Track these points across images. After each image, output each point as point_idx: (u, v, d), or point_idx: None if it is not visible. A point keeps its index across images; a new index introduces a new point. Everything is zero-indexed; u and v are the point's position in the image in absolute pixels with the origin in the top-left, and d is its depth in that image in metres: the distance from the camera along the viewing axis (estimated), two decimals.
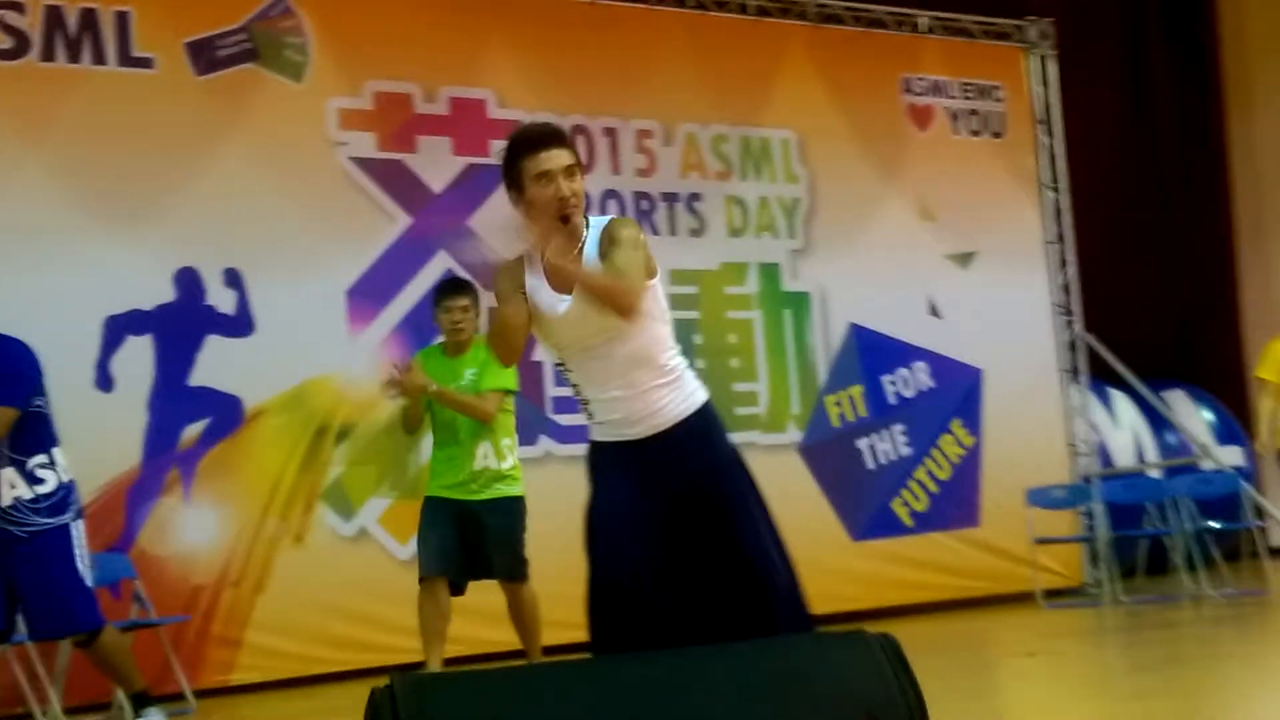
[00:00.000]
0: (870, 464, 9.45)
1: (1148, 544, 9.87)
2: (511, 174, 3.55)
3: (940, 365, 9.78)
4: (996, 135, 10.25)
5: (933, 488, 9.62)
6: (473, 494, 5.99)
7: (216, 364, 7.50)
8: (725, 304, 9.08)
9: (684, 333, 8.86)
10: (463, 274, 8.24)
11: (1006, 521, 9.58)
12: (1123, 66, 12.81)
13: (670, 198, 8.94)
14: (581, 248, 3.54)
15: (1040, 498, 9.46)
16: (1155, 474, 10.45)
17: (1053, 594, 9.37)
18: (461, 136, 8.30)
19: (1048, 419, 10.13)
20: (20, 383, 5.13)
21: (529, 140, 3.55)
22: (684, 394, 3.64)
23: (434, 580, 5.93)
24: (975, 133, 10.15)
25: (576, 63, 8.73)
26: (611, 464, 3.57)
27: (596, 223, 3.59)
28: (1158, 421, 10.96)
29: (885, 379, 9.61)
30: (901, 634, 6.98)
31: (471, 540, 5.99)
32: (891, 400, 9.59)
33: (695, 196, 9.03)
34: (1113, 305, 11.23)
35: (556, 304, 3.53)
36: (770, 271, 9.22)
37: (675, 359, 3.66)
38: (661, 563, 3.43)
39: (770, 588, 3.51)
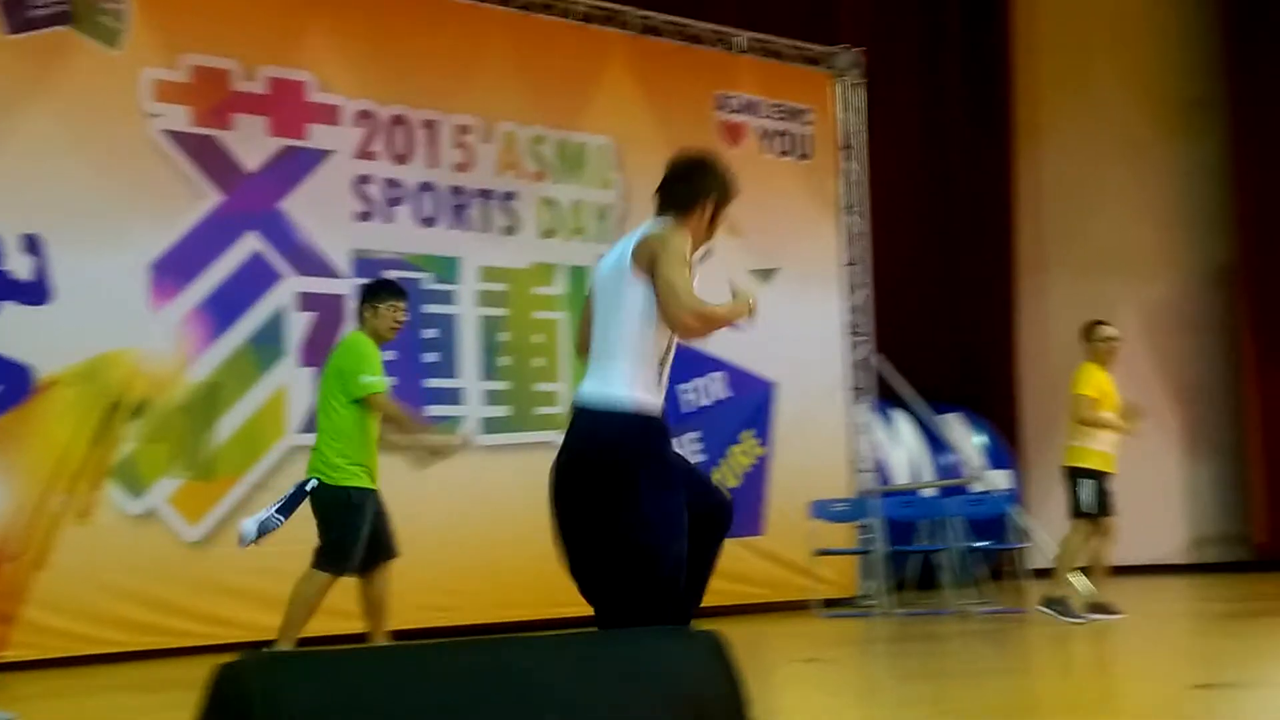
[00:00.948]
0: None
1: (920, 559, 10.32)
2: (721, 201, 4.48)
3: (735, 377, 10.06)
4: (803, 157, 10.59)
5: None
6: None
7: (9, 331, 7.28)
8: (533, 304, 9.18)
9: (490, 330, 8.94)
10: (271, 255, 8.19)
11: (789, 532, 9.91)
12: (923, 101, 13.36)
13: (485, 194, 9.00)
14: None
15: (822, 510, 9.80)
16: (930, 493, 10.93)
17: (829, 604, 9.72)
18: (279, 117, 8.22)
19: (834, 435, 10.51)
20: None
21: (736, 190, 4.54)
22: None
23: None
24: (783, 153, 10.48)
25: (400, 53, 8.73)
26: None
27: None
28: (935, 442, 11.46)
29: (682, 387, 9.83)
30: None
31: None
32: (687, 408, 9.82)
33: (510, 195, 9.12)
34: (901, 328, 11.70)
35: None
36: (579, 274, 9.35)
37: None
38: None
39: None
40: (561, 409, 9.20)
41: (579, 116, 9.45)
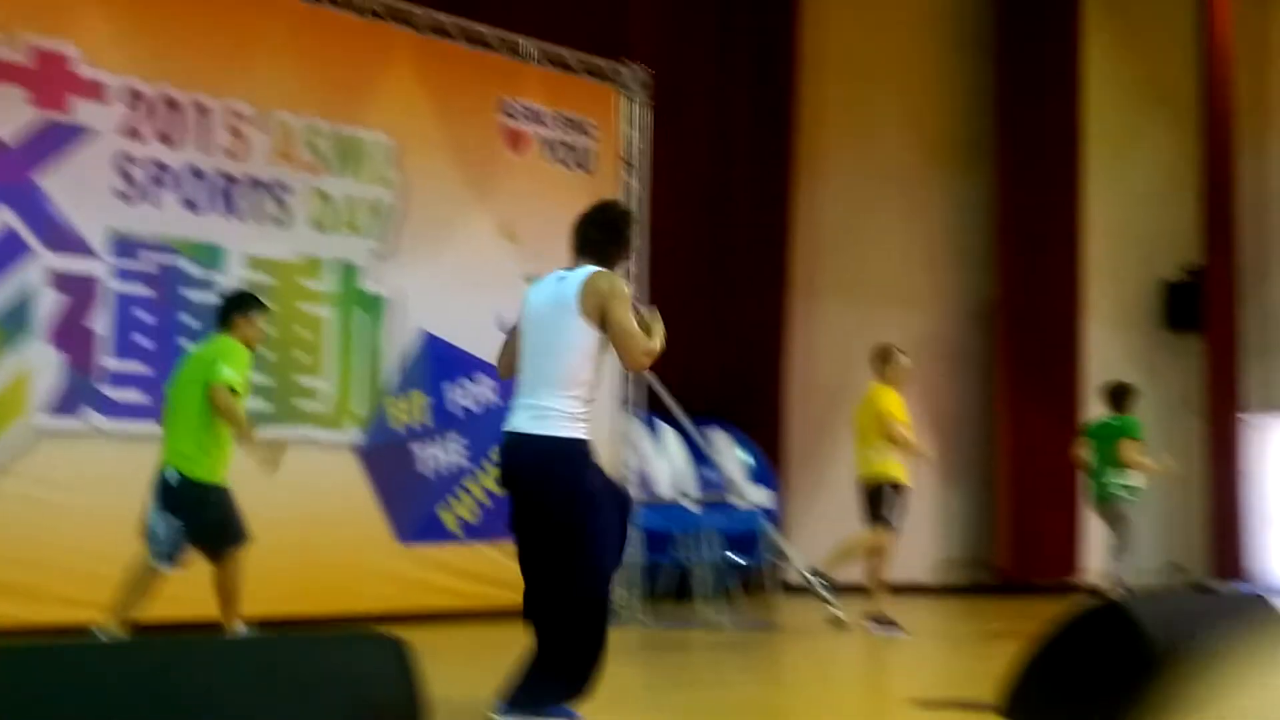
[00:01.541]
0: (426, 471, 9.59)
1: (676, 571, 10.46)
2: (632, 235, 5.14)
3: (504, 382, 10.01)
4: (585, 169, 10.65)
5: (484, 500, 9.85)
6: None
7: None
8: (300, 297, 9.01)
9: None
10: (23, 230, 7.86)
11: None
12: (708, 124, 13.58)
13: (256, 183, 8.81)
14: None
15: None
16: (691, 506, 11.09)
17: None
18: (40, 89, 7.89)
19: (598, 445, 10.52)
20: None
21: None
22: None
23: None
24: (565, 164, 10.52)
25: (173, 32, 8.49)
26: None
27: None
28: (699, 457, 11.65)
29: (450, 389, 9.78)
30: (439, 639, 7.15)
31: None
32: (454, 410, 9.77)
33: (282, 186, 8.94)
34: (672, 344, 11.78)
35: None
36: (349, 271, 9.22)
37: None
38: None
39: None
40: (323, 405, 9.06)
41: (359, 111, 9.33)
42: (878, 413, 9.40)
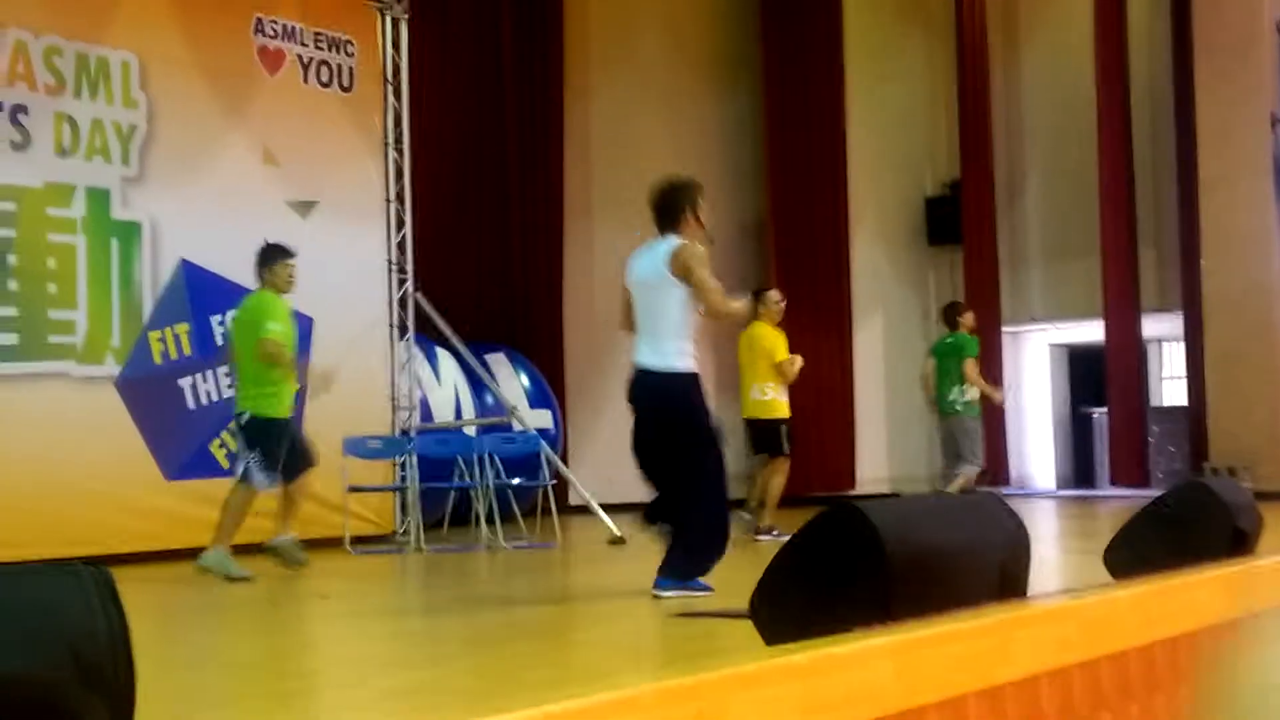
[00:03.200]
0: (191, 404, 9.30)
1: (456, 496, 10.41)
2: (695, 200, 6.25)
3: None
4: (345, 89, 10.37)
5: None
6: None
7: None
8: (47, 226, 8.59)
9: None
10: None
11: (323, 469, 9.73)
12: (475, 40, 13.36)
13: None
14: None
15: (357, 447, 9.71)
16: (470, 431, 11.03)
17: (363, 540, 9.65)
18: None
19: (373, 372, 10.41)
20: None
21: (702, 187, 6.33)
22: None
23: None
24: (325, 84, 10.22)
25: None
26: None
27: None
28: (477, 382, 11.57)
29: (214, 319, 9.47)
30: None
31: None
32: (219, 341, 9.47)
33: (21, 108, 8.47)
34: (446, 266, 11.71)
35: None
36: (99, 197, 8.82)
37: None
38: None
39: None
40: (78, 338, 8.67)
41: (101, 30, 8.87)
42: (764, 351, 9.71)
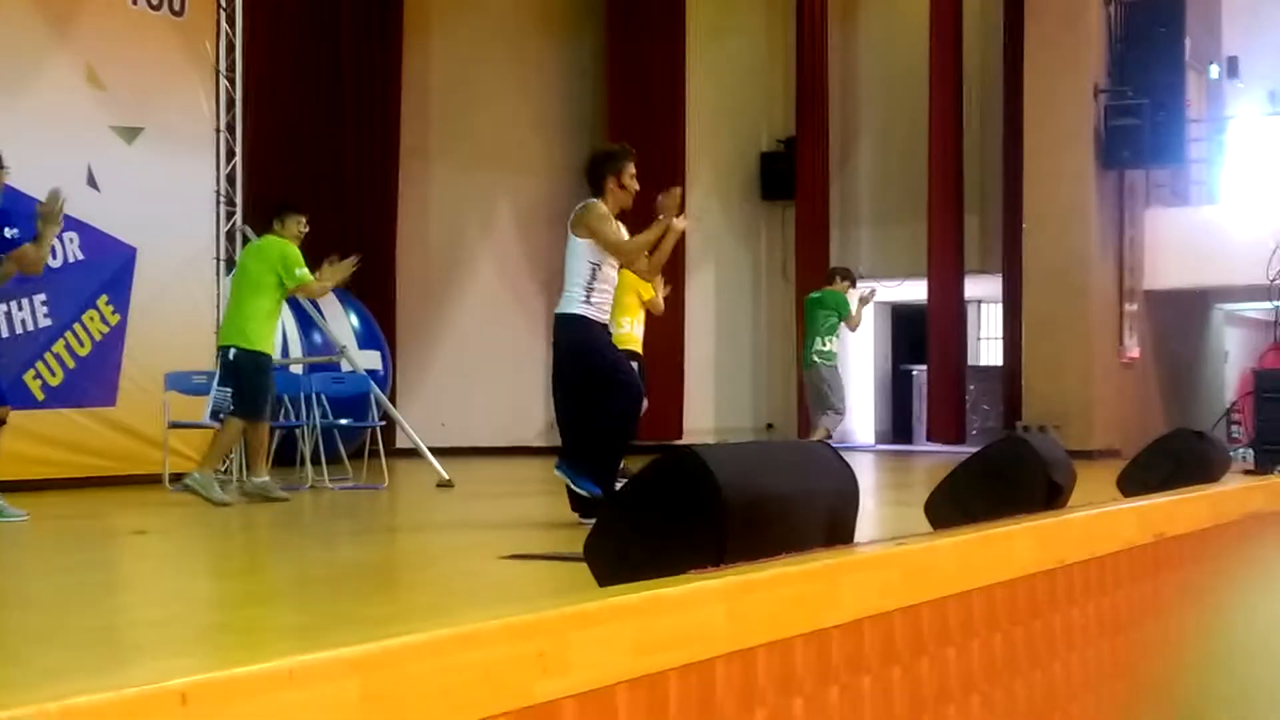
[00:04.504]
0: (4, 332, 8.96)
1: (281, 435, 10.23)
2: (615, 167, 6.73)
3: (93, 239, 9.46)
4: (176, 13, 10.03)
5: (70, 363, 9.32)
6: None
7: None
8: None
9: None
10: None
11: (144, 403, 9.52)
12: None
13: None
14: None
15: (179, 382, 9.46)
16: (297, 370, 10.83)
17: (179, 478, 9.41)
18: None
19: (198, 306, 10.16)
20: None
21: (630, 154, 6.81)
22: None
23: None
24: (155, 6, 9.87)
25: None
26: (603, 331, 6.81)
27: None
28: (306, 320, 11.37)
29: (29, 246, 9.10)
30: (20, 507, 6.72)
31: None
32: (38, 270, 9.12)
33: None
34: (275, 200, 11.43)
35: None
36: None
37: None
38: None
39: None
40: None
41: None
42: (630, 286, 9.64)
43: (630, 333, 9.90)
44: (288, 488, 9.30)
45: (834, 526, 3.11)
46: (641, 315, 9.93)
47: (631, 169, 6.74)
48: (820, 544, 3.03)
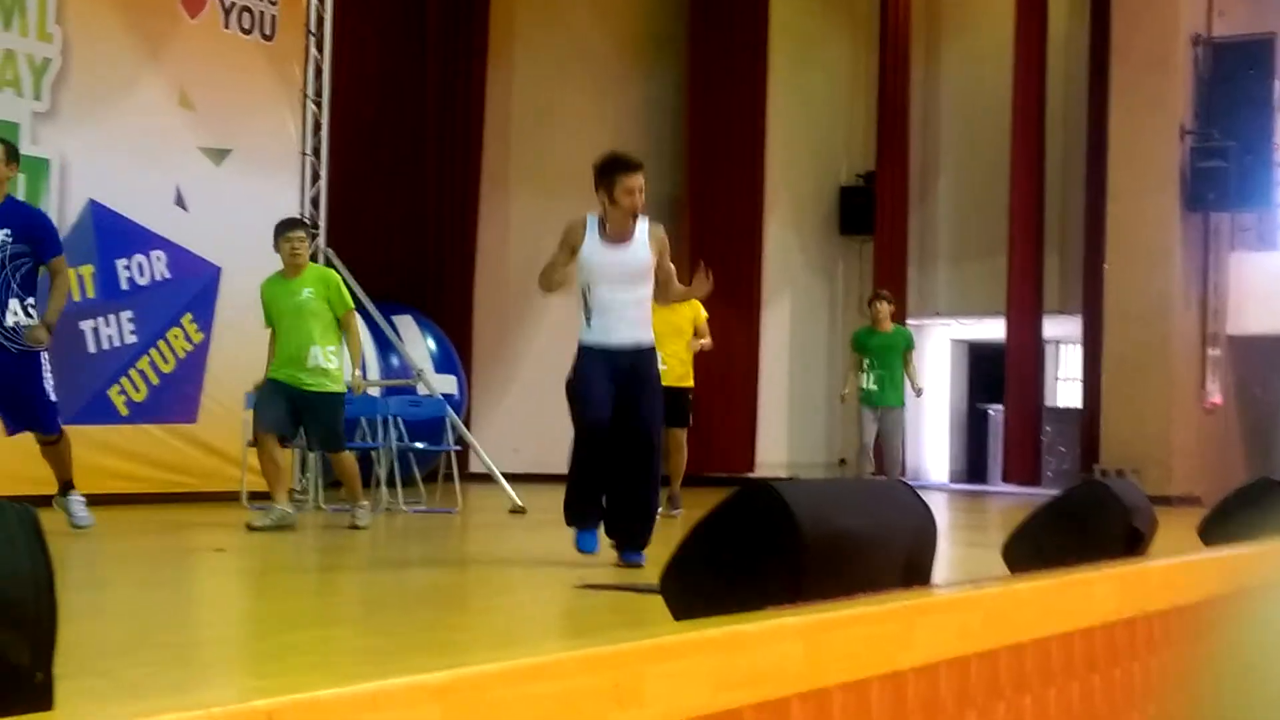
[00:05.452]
0: (92, 348, 9.13)
1: (357, 456, 10.30)
2: (609, 180, 6.02)
3: (179, 257, 9.62)
4: (267, 38, 10.21)
5: (154, 379, 9.47)
6: (305, 384, 7.78)
7: None
8: None
9: None
10: None
11: (224, 421, 9.64)
12: (400, 1, 13.23)
13: None
14: (633, 230, 6.08)
15: None
16: (374, 392, 10.92)
17: (259, 496, 9.53)
18: None
19: None
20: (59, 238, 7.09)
21: (626, 164, 6.07)
22: (649, 330, 6.24)
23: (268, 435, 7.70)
24: (246, 30, 10.05)
25: None
26: (596, 359, 6.12)
27: (643, 222, 6.11)
28: (384, 342, 11.48)
29: (120, 262, 9.31)
30: (101, 522, 6.84)
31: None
32: (124, 285, 9.31)
33: None
34: (358, 224, 11.60)
35: (608, 255, 6.08)
36: (7, 130, 8.54)
37: (649, 308, 6.25)
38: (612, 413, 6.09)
39: (654, 447, 6.17)
40: None
41: None
42: (690, 318, 9.59)
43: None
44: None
45: (911, 567, 3.09)
46: (679, 350, 9.57)
47: (627, 183, 5.99)
48: (897, 584, 3.02)
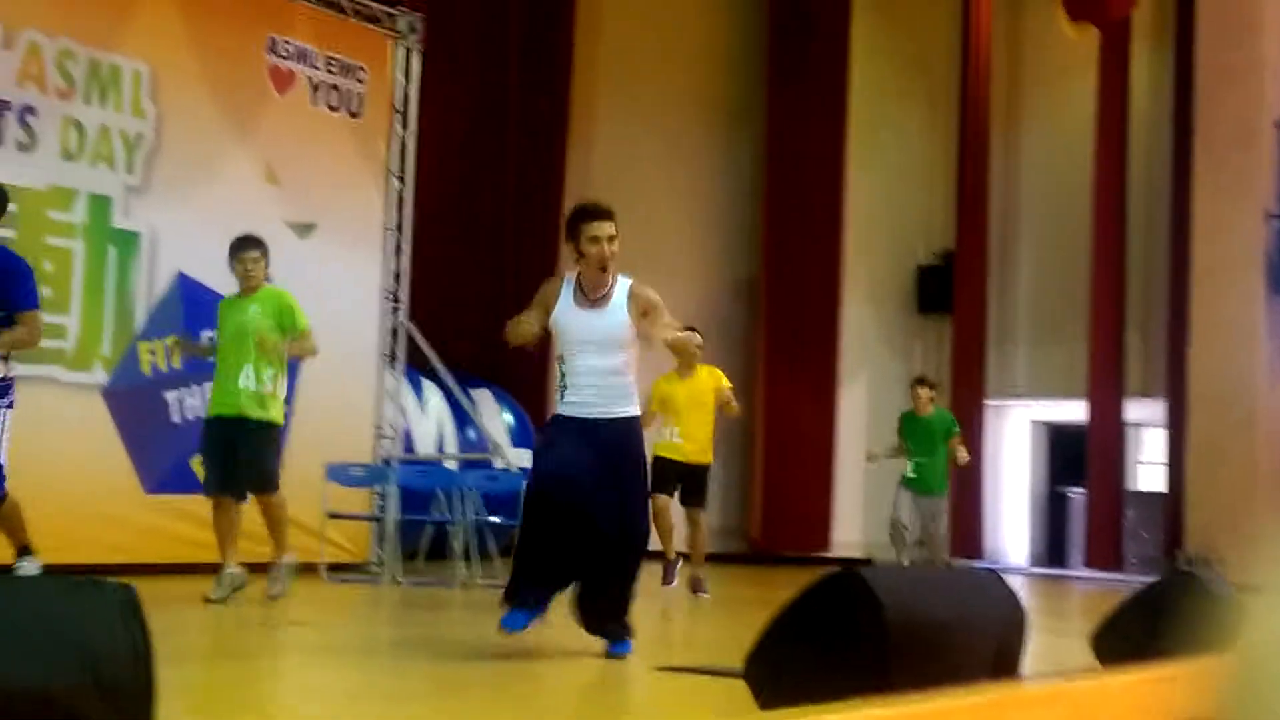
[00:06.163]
0: (176, 418, 9.25)
1: (433, 530, 10.36)
2: (573, 232, 5.61)
3: None
4: (354, 115, 10.39)
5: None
6: (237, 409, 7.33)
7: None
8: (47, 228, 8.56)
9: None
10: None
11: (303, 493, 9.69)
12: (482, 79, 13.42)
13: (1, 105, 8.31)
14: (610, 292, 5.65)
15: (338, 474, 9.66)
16: (451, 465, 10.99)
17: (337, 568, 9.59)
18: None
19: (359, 399, 10.38)
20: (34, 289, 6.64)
21: (591, 212, 5.64)
22: (629, 402, 5.68)
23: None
24: (333, 108, 10.24)
25: None
26: (566, 429, 5.60)
27: (623, 283, 5.68)
28: (462, 415, 11.54)
29: (205, 334, 9.42)
30: (181, 590, 6.90)
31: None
32: (208, 357, 9.42)
33: (30, 109, 8.46)
34: (438, 298, 11.70)
35: (581, 318, 5.64)
36: (101, 204, 8.80)
37: (632, 378, 5.70)
38: (583, 491, 5.44)
39: (634, 535, 5.63)
40: (69, 344, 8.63)
41: (116, 37, 8.88)
42: (711, 388, 9.45)
43: (670, 440, 9.41)
44: (439, 582, 9.38)
45: (1001, 658, 3.03)
46: (698, 423, 9.37)
47: (591, 230, 5.54)
48: (987, 675, 2.96)
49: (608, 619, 5.59)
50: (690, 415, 9.34)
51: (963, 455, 10.58)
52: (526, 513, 5.65)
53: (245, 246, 7.61)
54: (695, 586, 9.33)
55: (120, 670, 1.61)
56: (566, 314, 5.67)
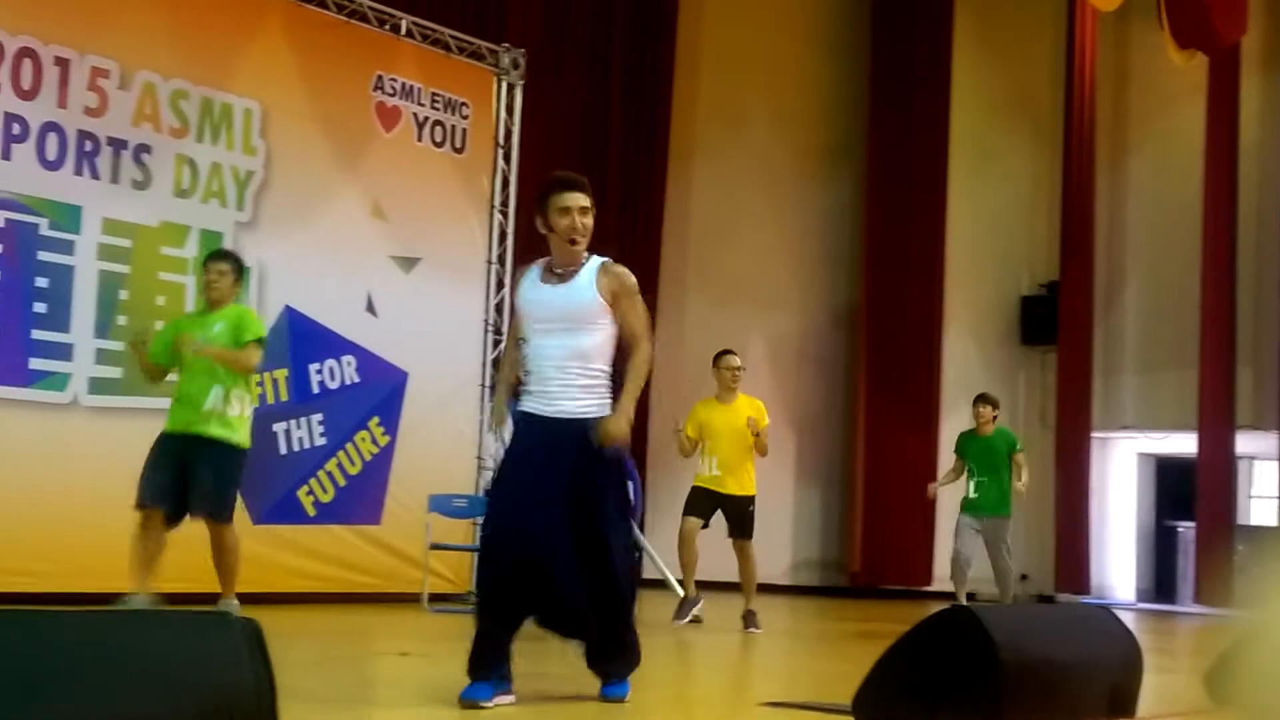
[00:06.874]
0: (283, 449, 9.40)
1: None
2: (542, 205, 4.90)
3: (368, 362, 9.89)
4: (458, 150, 10.53)
5: (341, 481, 9.70)
6: (195, 428, 6.89)
7: None
8: (159, 264, 8.77)
9: (110, 287, 8.48)
10: None
11: (407, 523, 9.82)
12: (584, 113, 13.55)
13: (117, 144, 8.54)
14: (577, 271, 4.91)
15: (441, 505, 9.75)
16: None
17: (439, 598, 9.67)
18: None
19: (462, 430, 10.48)
20: None
21: (561, 181, 4.92)
22: (600, 398, 4.90)
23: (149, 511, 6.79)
24: (438, 144, 10.39)
25: None
26: (527, 438, 4.83)
27: (596, 260, 4.96)
28: None
29: (312, 367, 9.60)
30: (288, 621, 7.00)
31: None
32: (315, 389, 9.59)
33: (144, 148, 8.68)
34: None
35: (543, 292, 4.91)
36: (212, 239, 8.99)
37: (604, 369, 4.94)
38: (540, 545, 4.67)
39: (610, 587, 4.87)
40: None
41: (228, 77, 9.10)
42: (748, 417, 9.28)
43: (709, 474, 9.23)
44: None
45: (1117, 696, 2.98)
46: (735, 453, 9.17)
47: (561, 201, 4.85)
48: (1102, 713, 2.91)
49: (599, 659, 5.06)
50: (727, 444, 9.20)
51: (1023, 476, 10.31)
52: (480, 566, 4.90)
53: (216, 258, 7.31)
54: (747, 621, 9.14)
55: (244, 703, 1.64)
56: (529, 292, 4.93)
